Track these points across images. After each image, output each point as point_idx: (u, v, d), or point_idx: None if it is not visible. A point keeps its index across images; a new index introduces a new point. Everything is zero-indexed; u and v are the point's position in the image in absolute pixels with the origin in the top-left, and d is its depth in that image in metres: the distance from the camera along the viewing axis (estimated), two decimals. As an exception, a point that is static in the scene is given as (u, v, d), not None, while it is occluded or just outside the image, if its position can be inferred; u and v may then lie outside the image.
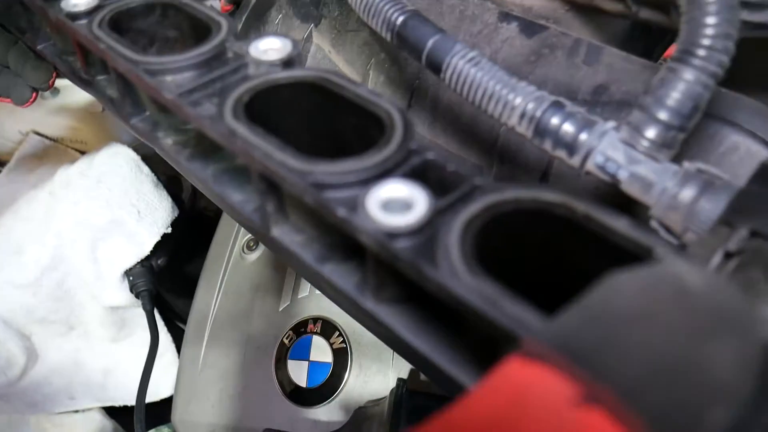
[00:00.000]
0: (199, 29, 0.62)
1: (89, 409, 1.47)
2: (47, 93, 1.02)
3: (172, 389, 1.29)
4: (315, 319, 1.09)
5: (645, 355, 0.27)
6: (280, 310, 1.13)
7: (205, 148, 0.58)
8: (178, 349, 1.41)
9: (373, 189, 0.42)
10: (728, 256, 0.47)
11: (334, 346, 1.05)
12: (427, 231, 0.41)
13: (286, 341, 1.09)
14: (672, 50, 0.78)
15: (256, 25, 0.98)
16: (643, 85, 0.72)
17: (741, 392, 0.27)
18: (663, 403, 0.26)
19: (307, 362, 1.07)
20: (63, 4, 0.64)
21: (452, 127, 0.85)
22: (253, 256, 1.24)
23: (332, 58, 0.94)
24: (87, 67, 0.68)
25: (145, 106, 0.62)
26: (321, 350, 1.06)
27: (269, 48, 0.56)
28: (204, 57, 0.55)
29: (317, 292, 1.10)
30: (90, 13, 0.63)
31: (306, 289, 1.13)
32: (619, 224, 0.40)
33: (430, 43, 0.64)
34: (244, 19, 1.02)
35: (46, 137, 1.79)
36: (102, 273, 1.32)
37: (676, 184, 0.53)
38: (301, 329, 1.09)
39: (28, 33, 0.74)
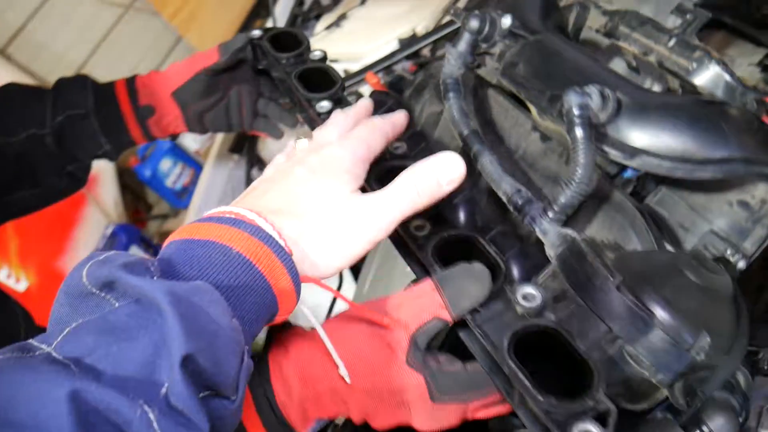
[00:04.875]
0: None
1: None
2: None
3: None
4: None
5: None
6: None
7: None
8: None
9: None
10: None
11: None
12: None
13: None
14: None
15: (415, 97, 1.61)
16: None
17: None
18: None
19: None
20: (318, 107, 1.33)
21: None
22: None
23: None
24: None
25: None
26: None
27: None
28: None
29: None
30: (328, 112, 1.31)
31: None
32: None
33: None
34: (408, 93, 1.68)
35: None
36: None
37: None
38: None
39: (296, 106, 1.47)
